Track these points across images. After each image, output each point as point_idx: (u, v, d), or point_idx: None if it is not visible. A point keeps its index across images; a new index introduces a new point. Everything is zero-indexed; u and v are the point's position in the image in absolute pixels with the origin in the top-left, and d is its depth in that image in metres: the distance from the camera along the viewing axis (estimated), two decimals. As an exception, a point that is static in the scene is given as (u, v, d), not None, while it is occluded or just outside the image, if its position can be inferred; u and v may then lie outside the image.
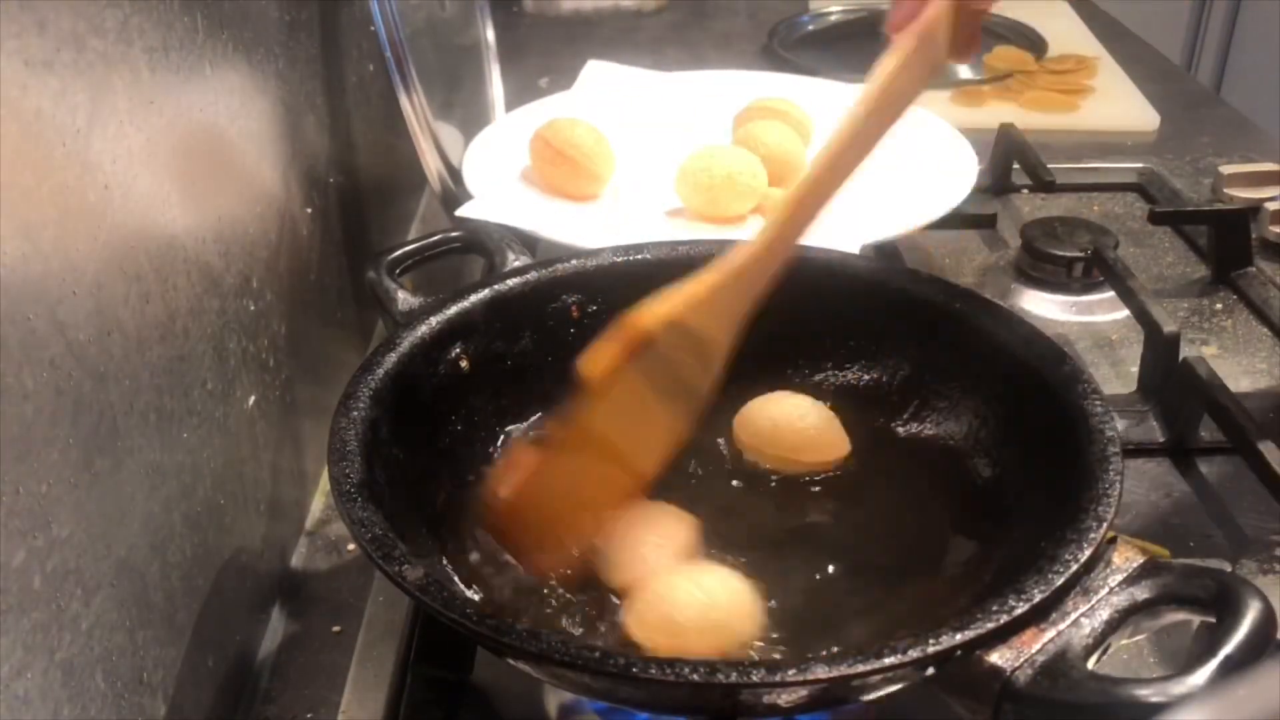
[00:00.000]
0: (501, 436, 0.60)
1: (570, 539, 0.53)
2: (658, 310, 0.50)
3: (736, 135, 0.87)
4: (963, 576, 0.51)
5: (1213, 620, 0.41)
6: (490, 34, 1.01)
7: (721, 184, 0.78)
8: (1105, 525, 0.44)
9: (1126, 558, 0.44)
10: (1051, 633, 0.42)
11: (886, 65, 0.50)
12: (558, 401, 0.60)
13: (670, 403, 0.53)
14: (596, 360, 0.50)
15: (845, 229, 0.75)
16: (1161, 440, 0.68)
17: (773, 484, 0.58)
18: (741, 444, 0.59)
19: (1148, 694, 0.38)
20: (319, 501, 0.66)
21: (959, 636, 0.40)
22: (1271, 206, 0.87)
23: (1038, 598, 0.42)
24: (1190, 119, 1.11)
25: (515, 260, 0.65)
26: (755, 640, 0.49)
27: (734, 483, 0.58)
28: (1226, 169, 0.94)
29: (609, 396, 0.51)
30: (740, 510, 0.56)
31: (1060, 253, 0.82)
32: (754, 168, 0.79)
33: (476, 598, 0.50)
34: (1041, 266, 0.83)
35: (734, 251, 0.52)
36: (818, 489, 0.57)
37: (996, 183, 0.97)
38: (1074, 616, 0.42)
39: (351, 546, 0.63)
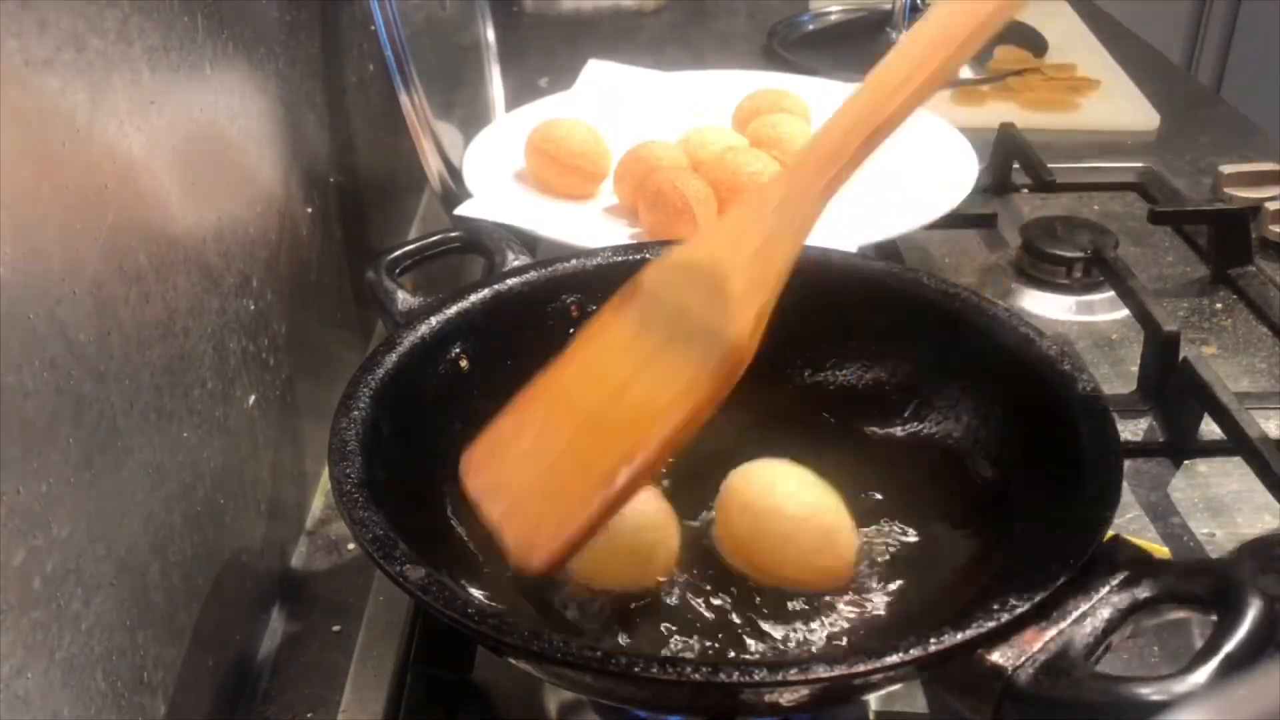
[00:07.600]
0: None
1: (566, 522, 0.44)
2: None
3: (748, 130, 0.86)
4: (963, 576, 0.51)
5: (1213, 619, 0.41)
6: (490, 34, 1.01)
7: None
8: (1105, 525, 0.44)
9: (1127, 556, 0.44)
10: (1052, 631, 0.41)
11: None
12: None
13: (681, 349, 0.45)
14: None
15: (845, 229, 0.75)
16: (1161, 440, 0.68)
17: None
18: (720, 539, 0.52)
19: (1149, 693, 0.38)
20: (319, 501, 0.66)
21: (960, 636, 0.40)
22: (1271, 206, 0.87)
23: (1039, 597, 0.42)
24: (1190, 119, 1.11)
25: (515, 260, 0.65)
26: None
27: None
28: (1226, 169, 0.94)
29: (592, 345, 0.47)
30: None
31: (1060, 253, 0.82)
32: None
33: (477, 597, 0.50)
34: (1041, 266, 0.83)
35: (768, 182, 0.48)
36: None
37: (996, 182, 0.97)
38: (1075, 615, 0.42)
39: (351, 546, 0.63)
